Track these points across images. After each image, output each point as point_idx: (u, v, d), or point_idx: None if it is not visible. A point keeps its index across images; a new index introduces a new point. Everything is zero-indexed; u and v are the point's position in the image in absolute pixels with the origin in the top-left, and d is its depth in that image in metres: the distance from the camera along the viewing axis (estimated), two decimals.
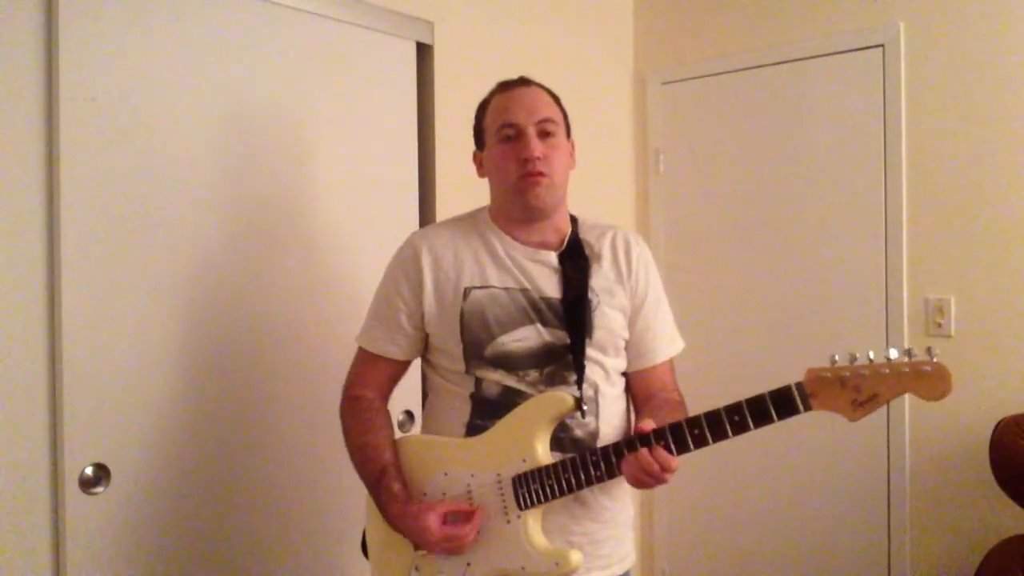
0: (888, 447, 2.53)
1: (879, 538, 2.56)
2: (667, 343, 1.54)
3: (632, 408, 1.54)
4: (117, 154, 1.68)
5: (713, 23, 2.94)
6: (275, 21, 1.96)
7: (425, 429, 1.56)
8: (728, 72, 2.89)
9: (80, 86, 1.62)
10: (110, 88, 1.67)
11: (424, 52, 2.29)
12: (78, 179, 1.61)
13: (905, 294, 2.51)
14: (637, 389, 1.52)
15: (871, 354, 1.19)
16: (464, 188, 2.35)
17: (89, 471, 1.62)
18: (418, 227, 2.27)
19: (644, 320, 1.50)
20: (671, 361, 1.55)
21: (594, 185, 2.89)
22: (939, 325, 2.45)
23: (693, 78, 2.98)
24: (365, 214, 2.14)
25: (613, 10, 3.07)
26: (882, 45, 2.55)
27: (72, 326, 1.60)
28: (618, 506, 1.48)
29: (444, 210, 2.30)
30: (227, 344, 1.87)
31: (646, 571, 3.08)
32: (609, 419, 1.45)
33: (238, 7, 1.89)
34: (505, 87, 1.50)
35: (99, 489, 1.63)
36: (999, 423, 2.14)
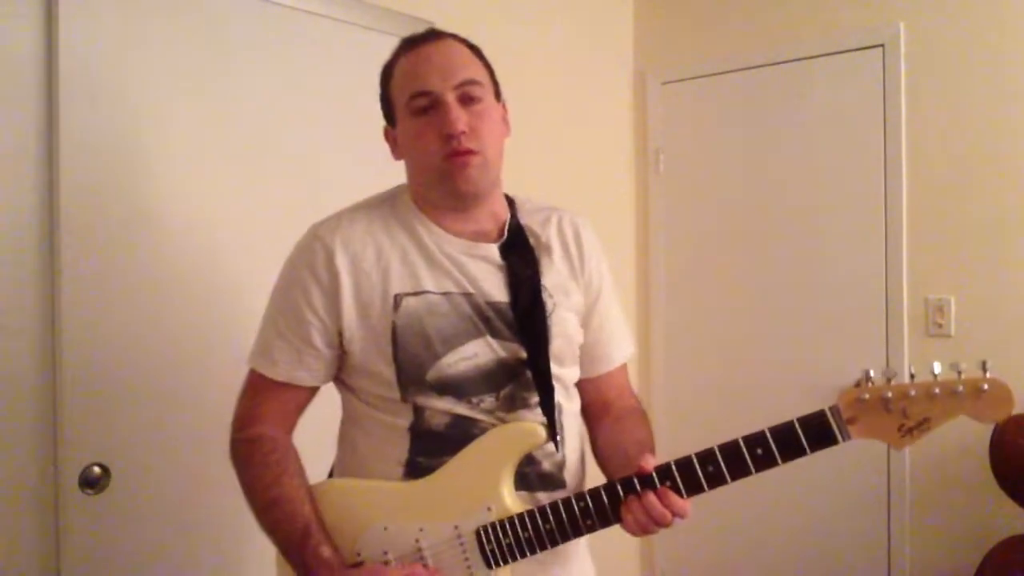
0: (888, 447, 2.52)
1: (879, 538, 2.56)
2: (623, 343, 1.31)
3: (584, 422, 1.30)
4: (117, 154, 1.68)
5: (713, 23, 2.94)
6: (275, 21, 1.95)
7: (344, 469, 1.24)
8: (728, 72, 2.89)
9: (80, 86, 1.61)
10: (110, 88, 1.67)
11: None
12: (78, 179, 1.61)
13: (905, 294, 2.51)
14: (591, 398, 1.28)
15: (911, 369, 1.02)
16: None
17: (89, 471, 1.61)
18: None
19: (598, 319, 1.26)
20: (625, 363, 1.32)
21: (594, 185, 2.90)
22: (939, 325, 2.45)
23: (693, 78, 2.98)
24: None
25: (613, 10, 3.06)
26: (882, 45, 2.55)
27: (72, 326, 1.60)
28: (580, 540, 1.20)
29: None
30: (227, 344, 1.87)
31: (646, 571, 3.08)
32: (572, 443, 1.22)
33: (238, 7, 1.89)
34: (411, 44, 1.19)
35: (99, 489, 1.63)
36: (999, 423, 2.14)
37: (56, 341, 1.59)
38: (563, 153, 2.68)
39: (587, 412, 1.30)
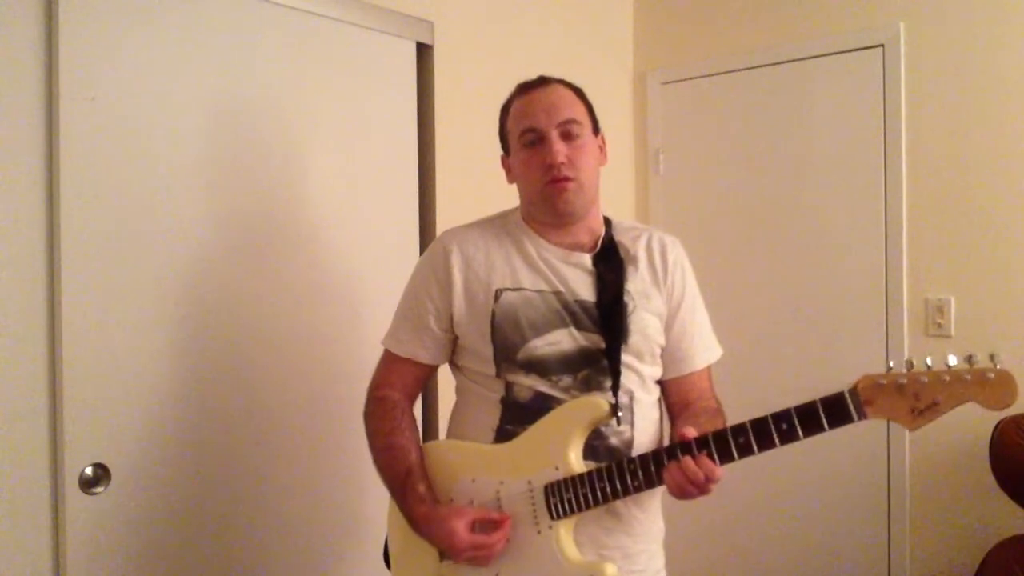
0: (888, 447, 2.53)
1: (879, 538, 2.56)
2: (704, 349, 1.48)
3: (667, 418, 1.49)
4: (117, 154, 1.68)
5: (713, 23, 2.94)
6: (275, 21, 1.96)
7: (451, 434, 1.50)
8: (728, 72, 2.89)
9: (80, 86, 1.61)
10: (110, 88, 1.67)
11: (424, 52, 2.29)
12: (78, 179, 1.61)
13: (905, 294, 2.51)
14: (673, 398, 1.46)
15: (928, 360, 1.15)
16: (464, 188, 2.36)
17: (89, 471, 1.61)
18: (417, 228, 2.28)
19: (680, 325, 1.44)
20: (709, 369, 1.49)
21: None
22: (939, 325, 2.45)
23: (693, 78, 2.98)
24: (365, 214, 2.14)
25: (613, 10, 3.06)
26: (882, 45, 2.55)
27: (72, 326, 1.60)
28: (650, 519, 1.42)
29: (444, 210, 2.30)
30: (227, 344, 1.87)
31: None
32: (644, 428, 1.39)
33: (238, 7, 1.89)
34: (524, 89, 1.45)
35: (99, 489, 1.63)
36: (999, 423, 2.14)
37: (56, 341, 1.59)
38: None
39: (670, 410, 1.48)
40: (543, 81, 1.45)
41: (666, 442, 1.42)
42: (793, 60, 2.73)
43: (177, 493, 1.76)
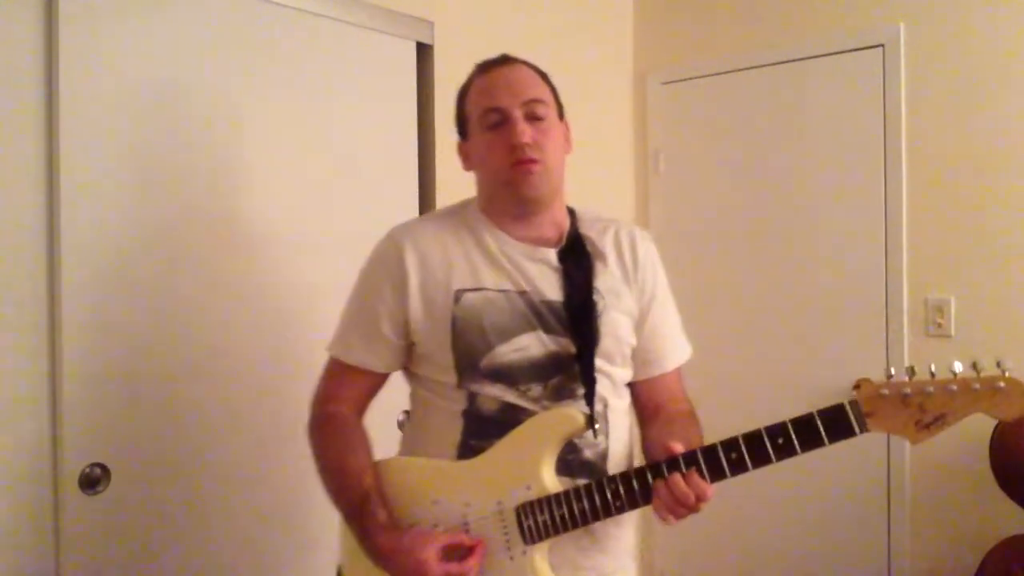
0: (888, 447, 2.53)
1: (879, 538, 2.56)
2: (676, 350, 1.40)
3: (637, 422, 1.40)
4: (117, 154, 1.68)
5: (713, 23, 2.93)
6: (275, 21, 1.95)
7: (407, 450, 1.37)
8: (728, 72, 2.89)
9: (80, 86, 1.61)
10: (110, 88, 1.67)
11: (424, 52, 2.29)
12: (78, 179, 1.61)
13: (905, 294, 2.51)
14: (643, 400, 1.38)
15: (932, 367, 1.07)
16: (464, 188, 2.35)
17: (89, 471, 1.61)
18: None
19: (652, 324, 1.35)
20: (679, 369, 1.41)
21: (594, 185, 2.89)
22: (939, 325, 2.45)
23: (693, 78, 2.98)
24: (365, 214, 2.14)
25: (613, 10, 3.06)
26: (882, 45, 2.55)
27: (72, 326, 1.60)
28: (625, 533, 1.34)
29: None
30: (227, 344, 1.87)
31: (646, 571, 3.08)
32: (618, 436, 1.31)
33: (238, 7, 1.89)
34: (485, 68, 1.33)
35: (99, 489, 1.63)
36: (999, 423, 2.14)
37: (56, 341, 1.59)
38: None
39: (640, 414, 1.39)
40: (506, 59, 1.34)
41: (636, 449, 1.35)
42: (793, 60, 2.73)
43: (177, 493, 1.76)
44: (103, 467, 1.64)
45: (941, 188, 2.46)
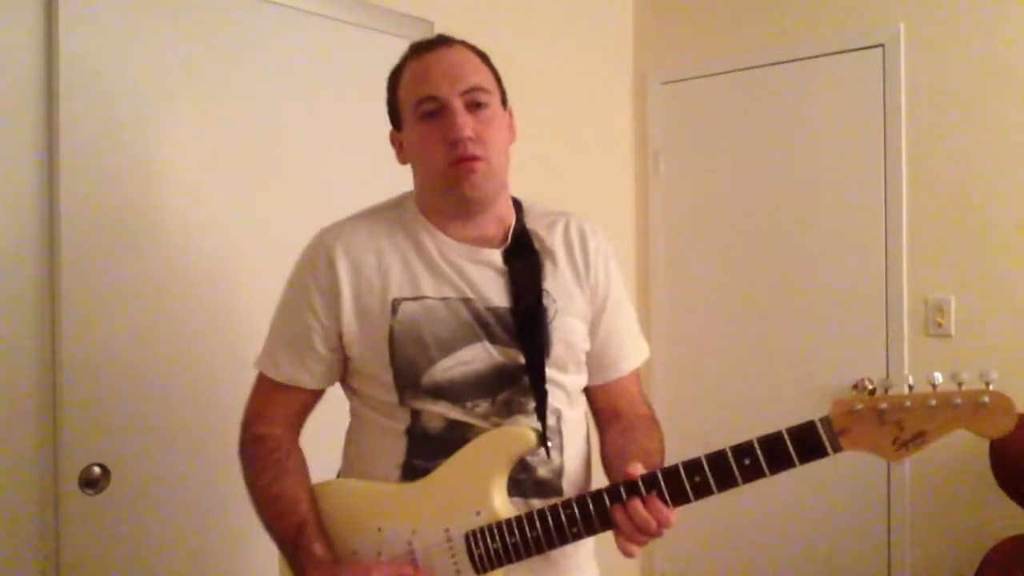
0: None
1: (879, 538, 2.56)
2: (633, 350, 1.29)
3: (594, 427, 1.30)
4: (117, 154, 1.68)
5: (713, 23, 2.94)
6: (275, 21, 1.96)
7: (348, 468, 1.26)
8: (728, 72, 2.89)
9: (80, 86, 1.61)
10: (110, 88, 1.67)
11: None
12: (78, 179, 1.61)
13: (905, 294, 2.51)
14: (600, 405, 1.28)
15: (911, 380, 0.98)
16: None
17: (89, 471, 1.61)
18: None
19: (607, 326, 1.24)
20: (637, 371, 1.30)
21: (594, 185, 2.90)
22: (939, 325, 2.45)
23: (693, 78, 2.98)
24: None
25: (613, 10, 3.06)
26: (882, 45, 2.55)
27: (71, 326, 1.60)
28: (583, 552, 1.23)
29: None
30: (228, 344, 1.87)
31: (646, 571, 3.08)
32: (573, 450, 1.21)
33: (238, 7, 1.89)
34: (419, 50, 1.18)
35: (99, 489, 1.63)
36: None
37: (56, 341, 1.59)
38: (563, 154, 2.68)
39: (597, 419, 1.29)
40: (442, 40, 1.19)
41: (596, 458, 1.26)
42: (793, 60, 2.73)
43: (177, 493, 1.76)
44: (103, 467, 1.64)
45: (941, 188, 2.46)
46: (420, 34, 2.26)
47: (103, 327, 1.65)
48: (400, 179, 2.22)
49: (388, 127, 2.36)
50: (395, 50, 2.20)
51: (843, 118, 2.64)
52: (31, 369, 1.57)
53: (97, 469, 1.63)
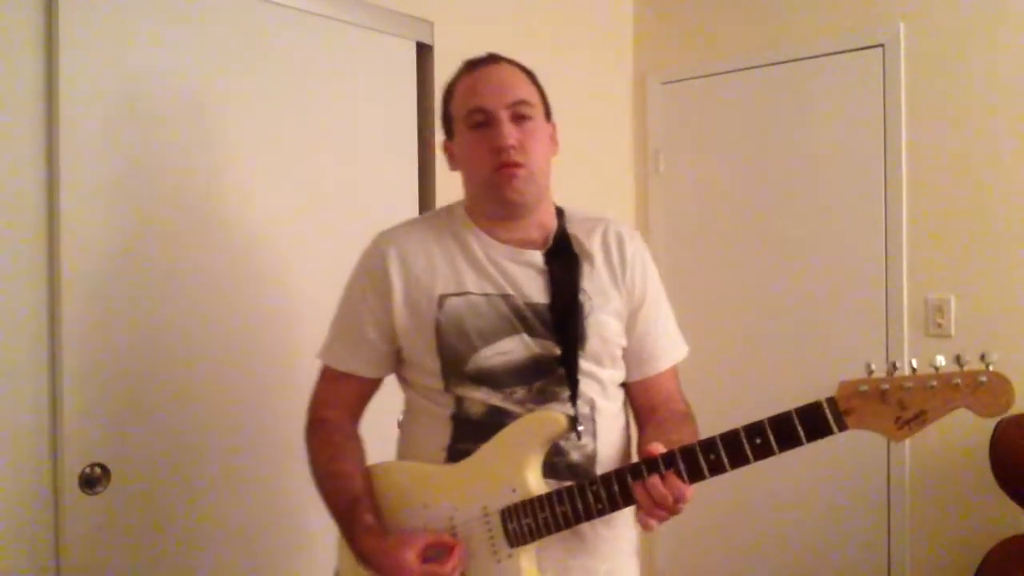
0: (888, 446, 2.53)
1: (879, 538, 2.56)
2: (670, 348, 1.38)
3: (634, 423, 1.39)
4: (117, 154, 1.68)
5: (713, 23, 2.94)
6: (275, 21, 1.95)
7: (401, 453, 1.39)
8: (728, 72, 2.89)
9: (80, 85, 1.61)
10: (110, 88, 1.67)
11: (424, 52, 2.29)
12: (78, 179, 1.61)
13: (905, 294, 2.51)
14: (639, 401, 1.37)
15: (914, 363, 1.04)
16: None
17: (89, 471, 1.61)
18: None
19: (643, 324, 1.33)
20: (675, 368, 1.39)
21: (594, 185, 2.89)
22: (939, 325, 2.45)
23: (693, 78, 2.98)
24: (364, 214, 2.14)
25: (613, 10, 3.06)
26: (882, 45, 2.55)
27: (72, 326, 1.60)
28: (617, 535, 1.32)
29: None
30: (227, 344, 1.87)
31: (646, 571, 3.08)
32: (608, 439, 1.30)
33: (238, 7, 1.89)
34: (471, 66, 1.32)
35: (99, 489, 1.63)
36: (999, 423, 2.14)
37: (56, 341, 1.59)
38: (563, 153, 2.66)
39: (636, 417, 1.38)
40: (492, 59, 1.32)
41: (635, 450, 1.32)
42: (793, 60, 2.73)
43: (177, 493, 1.76)
44: (103, 467, 1.63)
45: (941, 188, 2.46)
46: (420, 34, 2.27)
47: (103, 327, 1.65)
48: (399, 178, 2.22)
49: (388, 126, 2.37)
50: (395, 50, 2.23)
51: (843, 118, 2.64)
52: (31, 369, 1.57)
53: (97, 469, 1.63)
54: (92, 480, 1.62)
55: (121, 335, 1.68)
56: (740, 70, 2.86)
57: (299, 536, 1.99)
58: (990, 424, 2.15)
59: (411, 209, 2.26)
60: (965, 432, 2.35)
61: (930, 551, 2.47)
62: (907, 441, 2.49)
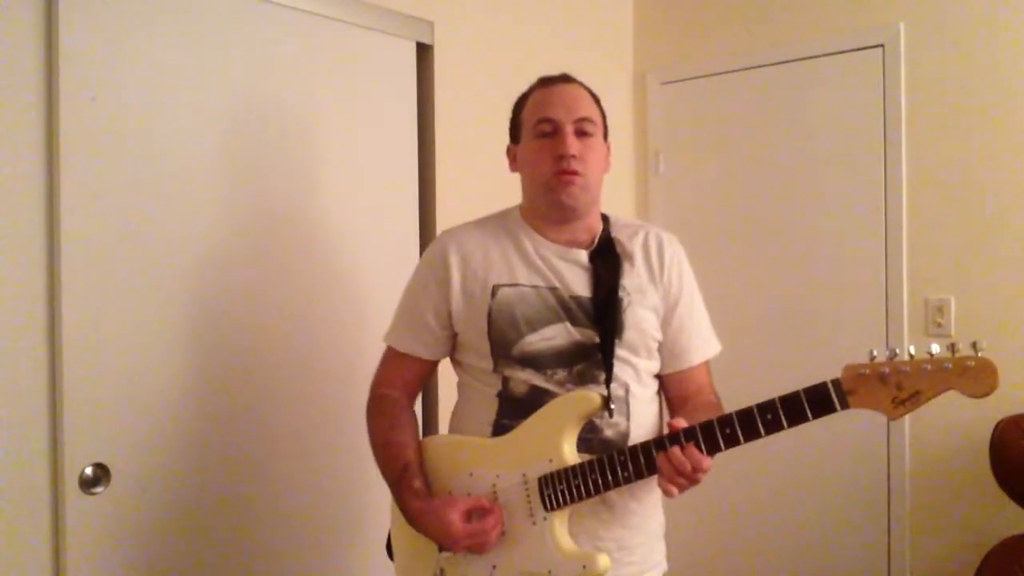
0: (888, 447, 2.53)
1: (879, 538, 2.56)
2: (702, 345, 1.51)
3: (667, 412, 1.52)
4: (117, 154, 1.68)
5: (713, 23, 2.94)
6: (275, 21, 1.96)
7: (452, 428, 1.55)
8: (728, 72, 2.89)
9: (80, 86, 1.62)
10: (110, 88, 1.67)
11: (424, 52, 2.29)
12: (78, 179, 1.61)
13: (905, 294, 2.51)
14: (672, 392, 1.50)
15: (911, 349, 1.15)
16: (464, 188, 2.35)
17: (89, 471, 1.62)
18: (417, 227, 2.28)
19: (678, 321, 1.47)
20: (707, 364, 1.52)
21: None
22: (939, 325, 2.45)
23: (693, 78, 2.98)
24: (365, 213, 2.14)
25: (613, 10, 3.06)
26: (882, 45, 2.55)
27: (72, 326, 1.60)
28: (647, 511, 1.45)
29: (444, 210, 2.30)
30: (227, 343, 1.87)
31: None
32: (641, 421, 1.42)
33: (238, 7, 1.89)
34: (546, 82, 1.49)
35: (99, 489, 1.63)
36: (999, 423, 2.14)
37: (56, 341, 1.59)
38: None
39: (669, 404, 1.52)
40: (565, 78, 1.49)
41: None
42: (793, 60, 2.73)
43: (177, 493, 1.76)
44: (103, 467, 1.64)
45: (941, 188, 2.46)
46: (420, 34, 2.27)
47: (103, 327, 1.65)
48: (399, 177, 2.23)
49: (388, 126, 2.37)
50: (395, 50, 2.23)
51: (843, 118, 2.63)
52: (31, 369, 1.57)
53: (97, 469, 1.63)
54: (92, 480, 1.62)
55: (121, 335, 1.68)
56: (740, 70, 2.86)
57: (300, 536, 1.99)
58: (990, 424, 2.15)
59: (411, 208, 2.26)
60: (965, 432, 2.36)
61: (930, 551, 2.47)
62: (907, 440, 2.50)
